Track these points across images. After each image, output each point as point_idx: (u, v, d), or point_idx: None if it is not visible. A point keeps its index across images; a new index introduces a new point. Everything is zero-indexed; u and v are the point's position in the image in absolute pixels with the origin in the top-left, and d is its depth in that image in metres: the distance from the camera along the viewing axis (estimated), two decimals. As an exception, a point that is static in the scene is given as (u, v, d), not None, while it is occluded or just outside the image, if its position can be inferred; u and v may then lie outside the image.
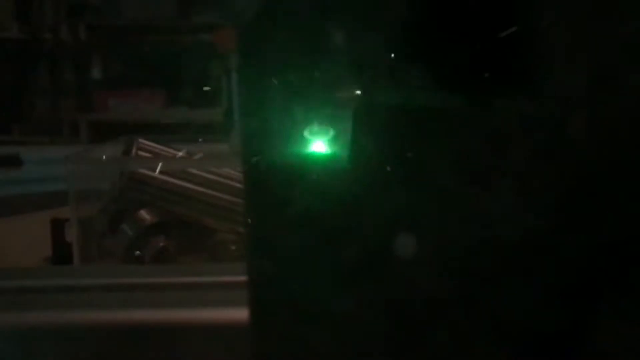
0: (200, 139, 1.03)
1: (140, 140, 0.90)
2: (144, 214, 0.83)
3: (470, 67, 0.33)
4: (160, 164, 0.85)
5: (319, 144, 0.34)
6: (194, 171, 0.85)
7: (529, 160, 0.33)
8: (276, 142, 0.35)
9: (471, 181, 0.34)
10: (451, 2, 0.33)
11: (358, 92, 0.34)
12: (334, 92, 0.34)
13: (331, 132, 0.34)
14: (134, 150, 0.89)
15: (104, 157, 0.92)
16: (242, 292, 0.37)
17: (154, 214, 0.83)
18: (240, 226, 0.80)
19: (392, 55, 0.34)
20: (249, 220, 0.36)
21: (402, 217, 0.34)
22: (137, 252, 0.80)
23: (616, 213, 0.34)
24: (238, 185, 0.83)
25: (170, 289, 0.58)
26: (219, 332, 0.52)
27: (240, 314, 0.38)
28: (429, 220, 0.34)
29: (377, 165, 0.34)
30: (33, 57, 3.02)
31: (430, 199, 0.34)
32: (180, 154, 0.93)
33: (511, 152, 0.33)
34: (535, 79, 0.33)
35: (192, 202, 0.84)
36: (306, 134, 0.34)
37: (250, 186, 0.36)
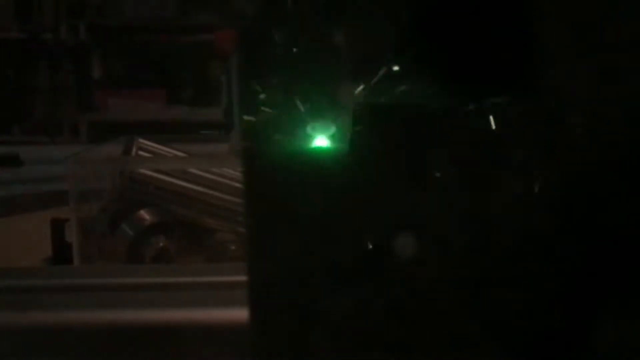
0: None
1: (140, 140, 0.90)
2: (144, 214, 0.83)
3: (470, 66, 0.33)
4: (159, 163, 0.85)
5: (321, 141, 0.34)
6: (194, 171, 0.85)
7: (529, 160, 0.33)
8: (276, 142, 0.35)
9: (471, 180, 0.34)
10: (451, 2, 0.33)
11: (358, 91, 0.34)
12: (333, 91, 0.34)
13: (333, 129, 0.34)
14: (134, 150, 0.89)
15: (103, 157, 0.92)
16: (242, 292, 0.36)
17: (154, 214, 0.83)
18: (240, 226, 0.80)
19: (393, 54, 0.34)
20: (249, 220, 0.36)
21: (403, 217, 0.34)
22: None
23: (616, 213, 0.34)
24: (238, 185, 0.83)
25: (170, 289, 0.58)
26: (219, 332, 0.52)
27: (240, 314, 0.38)
28: (430, 220, 0.34)
29: (376, 164, 0.34)
30: (33, 57, 3.02)
31: (430, 198, 0.34)
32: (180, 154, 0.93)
33: (511, 152, 0.33)
34: (536, 78, 0.33)
35: (192, 202, 0.84)
36: (309, 130, 0.34)
37: (250, 186, 0.36)
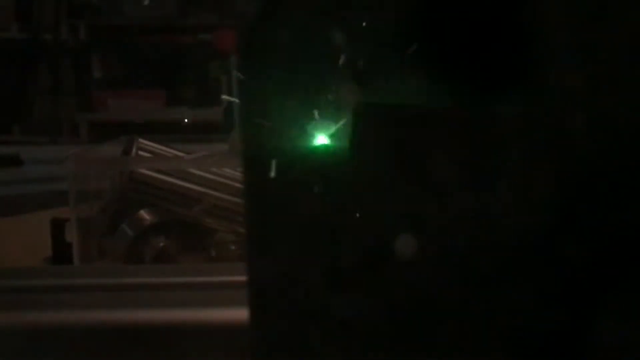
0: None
1: (140, 140, 0.90)
2: (144, 214, 0.83)
3: (470, 66, 0.33)
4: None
5: (321, 140, 0.34)
6: (194, 171, 0.85)
7: (528, 160, 0.33)
8: (275, 142, 0.35)
9: (471, 181, 0.34)
10: (451, 2, 0.33)
11: (358, 91, 0.34)
12: (333, 91, 0.34)
13: (333, 129, 0.34)
14: (134, 150, 0.89)
15: (103, 157, 0.92)
16: (242, 292, 0.37)
17: (154, 214, 0.83)
18: (240, 226, 0.80)
19: (392, 54, 0.34)
20: (249, 220, 0.36)
21: (403, 218, 0.34)
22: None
23: (616, 213, 0.34)
24: (238, 185, 0.83)
25: (170, 289, 0.58)
26: (219, 332, 0.52)
27: (240, 314, 0.38)
28: (429, 220, 0.34)
29: (377, 164, 0.34)
30: (33, 57, 3.02)
31: (430, 199, 0.34)
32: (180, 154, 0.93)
33: (511, 152, 0.33)
34: (535, 78, 0.33)
35: (192, 202, 0.84)
36: (309, 130, 0.34)
37: (250, 186, 0.36)
